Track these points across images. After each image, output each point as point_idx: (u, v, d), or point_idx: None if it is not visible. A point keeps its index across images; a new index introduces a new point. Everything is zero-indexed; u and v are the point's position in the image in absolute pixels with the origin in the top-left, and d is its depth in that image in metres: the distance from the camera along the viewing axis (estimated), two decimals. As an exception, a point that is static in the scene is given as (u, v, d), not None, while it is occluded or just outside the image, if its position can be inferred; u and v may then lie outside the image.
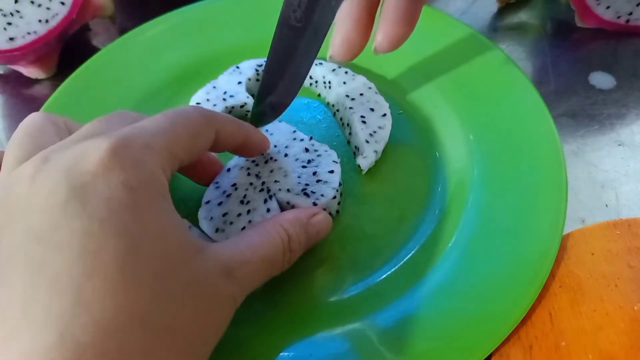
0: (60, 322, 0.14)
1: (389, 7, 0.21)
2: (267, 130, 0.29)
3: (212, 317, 0.18)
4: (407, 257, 0.25)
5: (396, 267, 0.25)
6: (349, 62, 0.22)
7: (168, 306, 0.16)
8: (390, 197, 0.28)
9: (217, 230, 0.24)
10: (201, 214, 0.25)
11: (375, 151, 0.28)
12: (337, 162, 0.27)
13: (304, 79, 0.24)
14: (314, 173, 0.26)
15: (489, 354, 0.21)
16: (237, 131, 0.23)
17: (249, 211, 0.25)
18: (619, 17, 0.36)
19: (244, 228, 0.24)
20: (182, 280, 0.17)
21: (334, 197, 0.26)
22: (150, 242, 0.16)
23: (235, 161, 0.27)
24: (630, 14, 0.36)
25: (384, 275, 0.25)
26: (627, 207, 0.28)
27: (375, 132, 0.29)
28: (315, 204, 0.25)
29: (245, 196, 0.25)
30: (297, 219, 0.23)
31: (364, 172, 0.29)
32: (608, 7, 0.36)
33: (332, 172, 0.26)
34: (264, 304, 0.24)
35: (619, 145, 0.31)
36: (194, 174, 0.27)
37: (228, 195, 0.25)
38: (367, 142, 0.28)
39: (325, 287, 0.25)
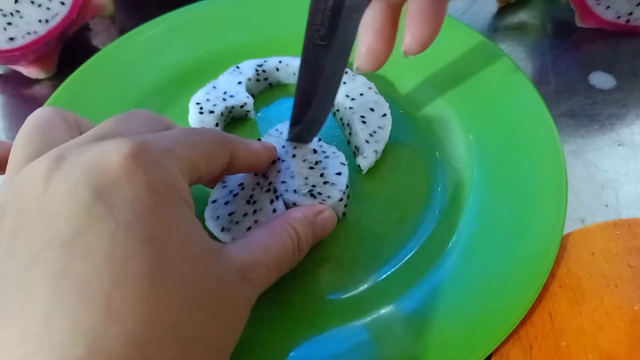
0: (89, 333, 0.13)
1: (414, 8, 0.20)
2: (277, 129, 0.29)
3: (234, 322, 0.18)
4: (407, 257, 0.25)
5: (396, 267, 0.25)
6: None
7: (196, 315, 0.16)
8: (390, 197, 0.28)
9: (222, 229, 0.24)
10: (207, 213, 0.25)
11: (375, 151, 0.28)
12: (344, 164, 0.27)
13: (335, 95, 0.24)
14: (322, 175, 0.26)
15: (489, 354, 0.21)
16: (249, 153, 0.23)
17: (255, 211, 0.25)
18: (619, 17, 0.36)
19: (249, 228, 0.24)
20: (207, 286, 0.17)
21: (341, 200, 0.26)
22: (176, 247, 0.16)
23: None
24: (630, 14, 0.36)
25: (384, 276, 0.25)
26: (627, 207, 0.28)
27: (375, 132, 0.29)
28: None
29: (252, 196, 0.25)
30: (305, 217, 0.23)
31: (364, 172, 0.29)
32: (608, 7, 0.36)
33: (339, 174, 0.26)
34: (266, 304, 0.24)
35: (619, 145, 0.31)
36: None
37: (235, 195, 0.25)
38: (367, 142, 0.28)
39: (325, 287, 0.25)
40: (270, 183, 0.26)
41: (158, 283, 0.15)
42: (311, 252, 0.25)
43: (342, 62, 0.22)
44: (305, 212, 0.23)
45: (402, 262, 0.25)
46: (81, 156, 0.16)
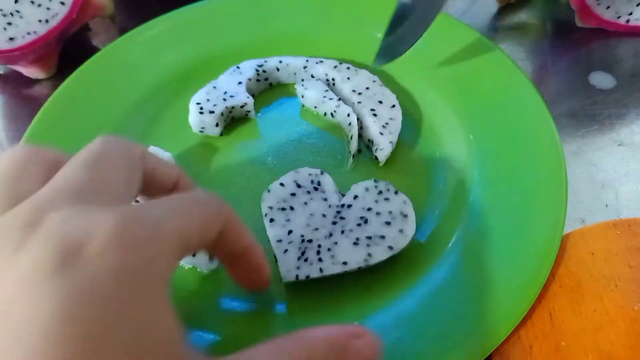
0: None
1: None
2: (302, 85, 0.29)
3: None
4: (407, 257, 0.25)
5: (396, 266, 0.25)
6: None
7: None
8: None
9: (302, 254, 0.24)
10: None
11: (391, 142, 0.28)
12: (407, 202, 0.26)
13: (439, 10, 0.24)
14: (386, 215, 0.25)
15: (489, 354, 0.21)
16: (242, 231, 0.20)
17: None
18: (619, 17, 0.36)
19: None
20: None
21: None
22: (121, 349, 0.13)
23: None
24: (630, 14, 0.36)
25: (384, 275, 0.25)
26: (627, 207, 0.28)
27: (387, 123, 0.29)
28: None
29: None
30: (328, 342, 0.16)
31: (381, 164, 0.29)
32: (608, 7, 0.36)
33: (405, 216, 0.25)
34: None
35: (619, 145, 0.31)
36: (236, 273, 0.22)
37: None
38: (382, 134, 0.28)
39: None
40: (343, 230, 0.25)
41: None
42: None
43: None
44: (333, 333, 0.17)
45: (402, 261, 0.25)
46: (61, 225, 0.14)
